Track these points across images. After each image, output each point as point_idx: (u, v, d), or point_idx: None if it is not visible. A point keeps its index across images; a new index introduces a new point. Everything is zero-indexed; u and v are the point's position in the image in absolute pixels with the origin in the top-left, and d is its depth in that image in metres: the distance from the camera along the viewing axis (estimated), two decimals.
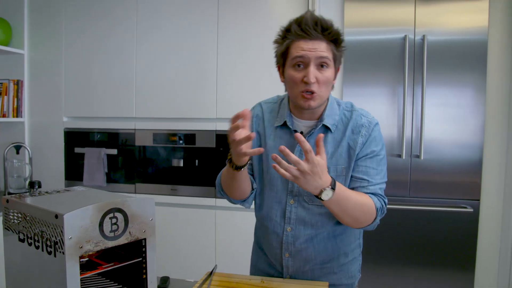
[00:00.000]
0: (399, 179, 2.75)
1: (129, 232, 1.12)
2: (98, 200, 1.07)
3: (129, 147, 3.18)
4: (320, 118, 1.45)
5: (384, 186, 1.46)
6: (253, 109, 1.62)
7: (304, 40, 1.33)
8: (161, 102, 3.11)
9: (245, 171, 1.38)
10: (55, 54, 3.32)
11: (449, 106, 2.70)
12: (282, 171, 1.17)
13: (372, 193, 1.41)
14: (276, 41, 1.43)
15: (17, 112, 3.37)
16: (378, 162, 1.45)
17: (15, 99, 3.36)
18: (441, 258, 2.74)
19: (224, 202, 1.61)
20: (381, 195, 1.44)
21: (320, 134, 1.21)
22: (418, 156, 2.71)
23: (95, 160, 3.21)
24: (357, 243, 1.61)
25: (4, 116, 3.34)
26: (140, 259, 1.19)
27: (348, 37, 2.78)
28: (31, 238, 1.09)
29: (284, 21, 1.40)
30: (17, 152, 3.35)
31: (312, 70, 1.32)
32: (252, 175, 1.57)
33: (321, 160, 1.19)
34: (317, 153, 1.20)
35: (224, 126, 2.94)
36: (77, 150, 3.28)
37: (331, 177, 1.25)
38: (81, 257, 1.02)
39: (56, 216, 0.98)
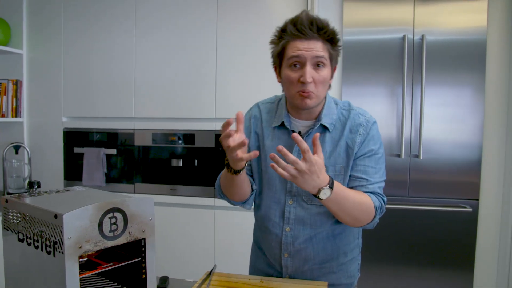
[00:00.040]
0: (398, 179, 2.75)
1: (129, 232, 1.12)
2: (97, 200, 1.07)
3: (128, 147, 3.18)
4: (318, 118, 1.45)
5: (383, 184, 1.46)
6: (251, 109, 1.62)
7: (300, 40, 1.33)
8: (160, 102, 3.11)
9: (243, 174, 1.38)
10: (54, 54, 3.32)
11: (448, 106, 2.70)
12: (280, 170, 1.17)
13: (371, 192, 1.42)
14: (272, 42, 1.43)
15: (16, 112, 3.37)
16: (376, 160, 1.45)
17: (14, 99, 3.35)
18: (440, 257, 2.74)
19: (223, 202, 1.60)
20: (380, 194, 1.44)
21: (316, 133, 1.21)
22: (417, 156, 2.71)
23: (94, 160, 3.21)
24: (356, 242, 1.61)
25: (3, 116, 3.34)
26: (140, 259, 1.19)
27: (347, 37, 2.78)
28: (30, 238, 1.09)
29: (283, 21, 1.40)
30: (16, 152, 3.35)
31: (309, 70, 1.33)
32: (252, 176, 1.57)
33: (318, 159, 1.19)
34: (314, 152, 1.20)
35: None
36: (76, 150, 3.28)
37: (329, 176, 1.25)
38: (80, 257, 1.02)
39: (56, 216, 0.98)
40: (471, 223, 2.71)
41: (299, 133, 1.47)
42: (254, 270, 1.69)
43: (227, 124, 1.21)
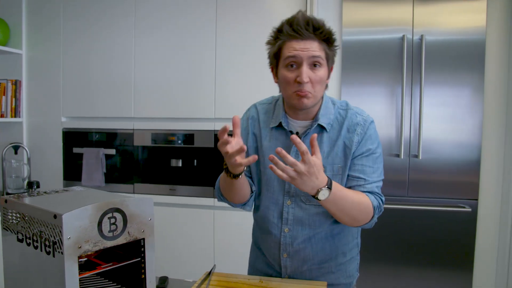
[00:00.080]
0: (398, 179, 2.75)
1: (128, 232, 1.12)
2: (96, 200, 1.07)
3: (127, 147, 3.18)
4: (315, 118, 1.45)
5: (380, 184, 1.46)
6: (248, 110, 1.62)
7: (296, 40, 1.33)
8: (159, 102, 3.11)
9: (243, 177, 1.38)
10: (53, 54, 3.32)
11: (447, 106, 2.70)
12: (279, 172, 1.17)
13: (369, 192, 1.42)
14: (268, 42, 1.43)
15: (15, 112, 3.37)
16: (374, 160, 1.45)
17: (13, 99, 3.35)
18: (439, 257, 2.74)
19: (222, 202, 1.60)
20: (378, 193, 1.44)
21: (314, 134, 1.21)
22: (416, 156, 2.71)
23: (94, 160, 3.21)
24: (355, 242, 1.61)
25: (2, 116, 3.34)
26: (139, 259, 1.19)
27: (346, 37, 2.79)
28: (29, 238, 1.09)
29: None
30: (15, 152, 3.34)
31: (305, 70, 1.33)
32: (250, 177, 1.57)
33: (317, 160, 1.19)
34: (312, 153, 1.20)
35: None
36: (76, 150, 3.28)
37: (327, 176, 1.25)
38: (79, 257, 1.02)
39: (55, 216, 0.98)
40: (470, 223, 2.71)
41: (297, 133, 1.46)
42: (253, 270, 1.69)
43: (223, 131, 1.21)
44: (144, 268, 1.18)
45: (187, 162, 3.06)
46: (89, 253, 1.09)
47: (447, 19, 2.68)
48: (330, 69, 1.42)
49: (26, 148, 3.37)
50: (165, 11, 3.07)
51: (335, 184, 1.27)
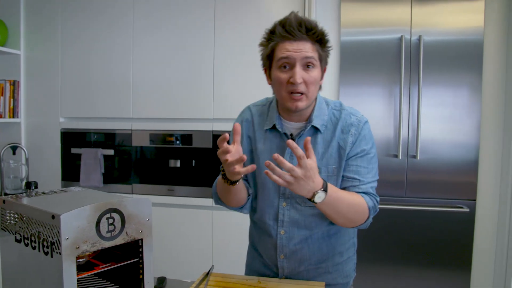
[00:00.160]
0: (396, 179, 2.76)
1: (126, 233, 1.12)
2: (94, 201, 1.07)
3: (125, 147, 3.18)
4: (309, 119, 1.45)
5: (375, 184, 1.46)
6: (243, 113, 1.61)
7: (289, 41, 1.33)
8: (157, 102, 3.11)
9: (240, 183, 1.38)
10: (51, 55, 3.32)
11: (445, 106, 2.70)
12: (275, 177, 1.17)
13: (364, 192, 1.41)
14: (261, 44, 1.43)
15: (14, 113, 3.37)
16: (368, 160, 1.44)
17: (11, 100, 3.35)
18: (437, 257, 2.74)
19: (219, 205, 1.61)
20: (373, 193, 1.43)
21: (307, 137, 1.21)
22: (414, 156, 2.71)
23: (92, 160, 3.20)
24: (351, 242, 1.61)
25: (0, 116, 3.33)
26: (137, 259, 1.19)
27: (344, 37, 2.79)
28: (27, 239, 1.09)
29: None
30: (14, 153, 3.34)
31: (298, 71, 1.32)
32: (247, 180, 1.56)
33: (312, 163, 1.19)
34: (307, 156, 1.20)
35: (221, 127, 2.95)
36: (74, 150, 3.28)
37: (323, 179, 1.25)
38: (78, 257, 1.02)
39: (53, 217, 0.98)
40: (468, 224, 2.71)
41: (291, 135, 1.46)
42: (250, 271, 1.69)
43: (223, 139, 1.21)
44: (142, 268, 1.18)
45: (185, 163, 3.06)
46: (87, 253, 1.09)
47: (445, 20, 2.68)
48: (323, 70, 1.42)
49: (24, 148, 3.37)
50: (163, 11, 3.07)
51: (330, 186, 1.27)
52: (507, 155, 2.66)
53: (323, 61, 1.39)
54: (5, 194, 3.27)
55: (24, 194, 1.23)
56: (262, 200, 1.52)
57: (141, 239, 1.17)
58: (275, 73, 1.37)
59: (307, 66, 1.34)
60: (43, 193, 1.25)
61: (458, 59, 2.67)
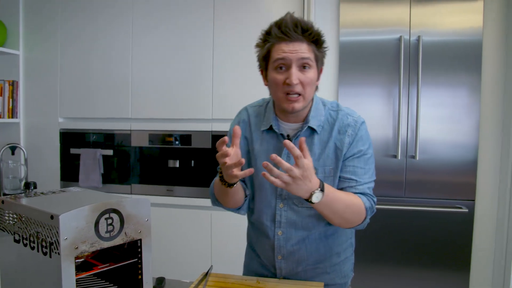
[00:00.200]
0: (395, 180, 2.76)
1: (125, 233, 1.12)
2: (93, 201, 1.07)
3: (125, 148, 3.18)
4: (306, 120, 1.44)
5: (372, 185, 1.46)
6: (240, 113, 1.61)
7: (285, 42, 1.33)
8: (157, 102, 3.11)
9: (237, 185, 1.38)
10: (50, 55, 3.32)
11: (444, 107, 2.71)
12: (273, 179, 1.17)
13: (360, 193, 1.41)
14: (257, 45, 1.43)
15: (13, 113, 3.37)
16: (365, 161, 1.44)
17: (10, 100, 3.35)
18: (436, 258, 2.74)
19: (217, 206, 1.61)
20: (370, 194, 1.43)
21: (302, 138, 1.21)
22: (413, 157, 2.71)
23: (91, 161, 3.20)
24: (349, 242, 1.61)
25: None
26: (136, 259, 1.19)
27: (343, 37, 2.79)
28: (26, 239, 1.09)
29: None
30: (13, 153, 3.34)
31: (294, 72, 1.32)
32: (244, 181, 1.56)
33: (309, 163, 1.19)
34: (303, 156, 1.20)
35: (220, 127, 2.95)
36: (73, 151, 3.28)
37: (319, 179, 1.25)
38: (76, 257, 1.02)
39: (52, 217, 0.98)
40: (467, 224, 2.71)
41: (288, 136, 1.46)
42: (248, 271, 1.69)
43: (222, 143, 1.22)
44: (141, 268, 1.18)
45: (184, 163, 3.06)
46: (86, 253, 1.09)
47: (444, 20, 2.69)
48: (319, 71, 1.42)
49: (23, 148, 3.37)
50: (162, 11, 3.07)
51: (327, 186, 1.27)
52: (506, 155, 2.66)
53: (319, 61, 1.39)
54: (4, 194, 3.27)
55: (23, 194, 1.23)
56: (260, 201, 1.52)
57: (140, 240, 1.17)
58: (271, 74, 1.37)
59: (303, 67, 1.34)
60: (42, 193, 1.25)
61: (457, 59, 2.67)
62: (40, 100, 3.36)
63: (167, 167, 3.10)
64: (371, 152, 1.47)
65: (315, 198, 1.23)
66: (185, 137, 3.05)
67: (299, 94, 1.35)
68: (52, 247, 0.99)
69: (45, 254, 1.02)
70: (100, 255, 1.22)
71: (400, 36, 2.70)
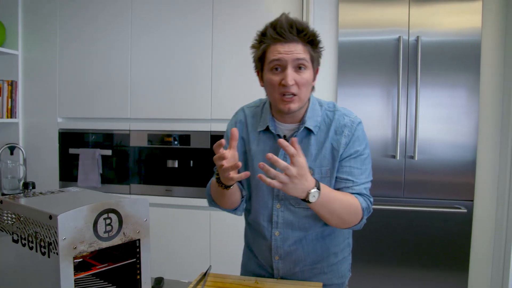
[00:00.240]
0: (394, 180, 2.76)
1: (123, 233, 1.12)
2: (92, 201, 1.07)
3: (123, 148, 3.18)
4: (302, 121, 1.44)
5: (369, 185, 1.46)
6: (237, 114, 1.62)
7: (280, 43, 1.33)
8: (155, 103, 3.11)
9: (234, 186, 1.38)
10: (49, 55, 3.31)
11: (443, 107, 2.71)
12: (269, 180, 1.16)
13: (357, 193, 1.41)
14: (253, 46, 1.43)
15: (11, 113, 3.36)
16: (362, 161, 1.44)
17: (9, 100, 3.35)
18: (435, 258, 2.75)
19: (213, 207, 1.61)
20: (366, 194, 1.43)
21: (293, 138, 1.20)
22: (412, 157, 2.72)
23: (90, 161, 3.20)
24: (346, 242, 1.61)
25: None
26: (134, 259, 1.19)
27: (342, 38, 2.79)
28: (25, 239, 1.09)
29: None
30: (11, 153, 3.34)
31: (290, 73, 1.32)
32: (240, 182, 1.56)
33: (303, 161, 1.19)
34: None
35: (219, 127, 2.95)
36: (72, 151, 3.28)
37: (314, 178, 1.25)
38: (75, 257, 1.02)
39: (50, 217, 0.98)
40: (465, 224, 2.72)
41: (284, 136, 1.46)
42: (246, 271, 1.69)
43: (219, 145, 1.22)
44: (140, 269, 1.18)
45: (183, 163, 3.06)
46: (85, 253, 1.09)
47: (443, 20, 2.69)
48: (315, 71, 1.42)
49: (22, 148, 3.36)
50: (161, 12, 3.07)
51: (323, 186, 1.27)
52: (505, 155, 2.67)
53: (315, 62, 1.39)
54: (3, 194, 3.26)
55: (22, 194, 1.23)
56: (256, 201, 1.52)
57: (139, 240, 1.17)
58: (267, 75, 1.37)
59: (298, 67, 1.34)
60: (41, 193, 1.25)
61: (456, 59, 2.68)
62: (39, 100, 3.36)
63: (166, 167, 3.10)
64: (367, 153, 1.47)
65: (312, 197, 1.22)
66: (184, 137, 3.05)
67: (295, 95, 1.34)
68: (51, 247, 0.99)
69: (43, 254, 1.02)
70: (99, 255, 1.22)
71: (399, 37, 2.70)
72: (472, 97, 2.67)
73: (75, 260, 1.08)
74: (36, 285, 1.07)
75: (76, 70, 3.26)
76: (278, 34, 1.32)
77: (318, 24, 2.82)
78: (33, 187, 3.18)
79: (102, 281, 1.26)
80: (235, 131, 1.28)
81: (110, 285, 1.25)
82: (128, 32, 3.14)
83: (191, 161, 3.04)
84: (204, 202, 2.99)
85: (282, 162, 1.15)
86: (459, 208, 2.68)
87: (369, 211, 1.42)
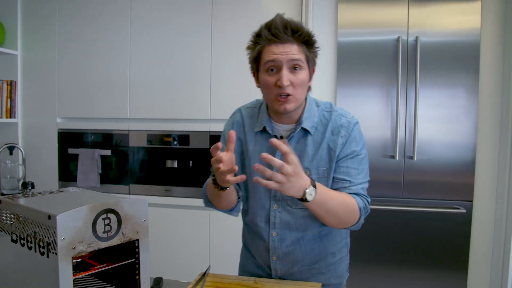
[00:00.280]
0: (393, 180, 2.76)
1: (122, 233, 1.12)
2: (91, 201, 1.07)
3: (123, 148, 3.18)
4: (299, 121, 1.44)
5: (366, 185, 1.46)
6: (234, 115, 1.62)
7: (275, 44, 1.33)
8: (155, 103, 3.11)
9: (230, 188, 1.38)
10: (48, 55, 3.31)
11: (442, 107, 2.71)
12: (265, 182, 1.16)
13: (354, 193, 1.41)
14: (248, 47, 1.42)
15: (11, 113, 3.36)
16: (359, 161, 1.44)
17: (9, 100, 3.34)
18: (434, 258, 2.75)
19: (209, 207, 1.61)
20: (363, 194, 1.43)
21: (283, 139, 1.20)
22: (411, 157, 2.72)
23: (89, 161, 3.20)
24: (344, 242, 1.61)
25: None
26: (133, 260, 1.19)
27: (341, 38, 2.79)
28: (24, 239, 1.09)
29: None
30: (11, 153, 3.33)
31: (285, 73, 1.32)
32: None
33: (296, 159, 1.19)
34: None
35: (218, 127, 2.95)
36: (71, 151, 3.27)
37: (310, 178, 1.25)
38: (74, 257, 1.02)
39: (49, 217, 0.98)
40: (465, 224, 2.72)
41: (281, 137, 1.46)
42: (243, 272, 1.69)
43: (216, 148, 1.22)
44: (139, 269, 1.18)
45: (182, 163, 3.06)
46: (83, 254, 1.09)
47: (442, 21, 2.69)
48: (311, 71, 1.42)
49: (21, 148, 3.36)
50: (160, 12, 3.07)
51: (319, 185, 1.27)
52: (504, 156, 2.67)
53: (310, 62, 1.39)
54: (2, 194, 3.26)
55: (21, 194, 1.23)
56: (254, 202, 1.52)
57: (138, 240, 1.17)
58: (263, 76, 1.37)
59: (294, 68, 1.34)
60: (40, 193, 1.25)
61: (455, 60, 2.68)
62: (38, 100, 3.36)
63: (165, 167, 3.10)
64: (364, 153, 1.47)
65: (309, 196, 1.22)
66: (183, 137, 3.05)
67: (290, 95, 1.34)
68: (50, 247, 0.99)
69: (42, 254, 1.02)
70: (98, 255, 1.22)
71: (398, 37, 2.71)
72: (471, 97, 2.68)
73: (74, 260, 1.08)
74: (35, 285, 1.07)
75: (76, 70, 3.26)
76: (272, 35, 1.32)
77: (317, 24, 2.82)
78: (32, 187, 3.18)
79: (101, 281, 1.26)
80: (233, 134, 1.27)
81: (109, 285, 1.25)
82: (127, 32, 3.14)
83: (190, 161, 3.04)
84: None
85: (277, 160, 1.15)
86: (458, 208, 2.68)
87: (367, 211, 1.42)
